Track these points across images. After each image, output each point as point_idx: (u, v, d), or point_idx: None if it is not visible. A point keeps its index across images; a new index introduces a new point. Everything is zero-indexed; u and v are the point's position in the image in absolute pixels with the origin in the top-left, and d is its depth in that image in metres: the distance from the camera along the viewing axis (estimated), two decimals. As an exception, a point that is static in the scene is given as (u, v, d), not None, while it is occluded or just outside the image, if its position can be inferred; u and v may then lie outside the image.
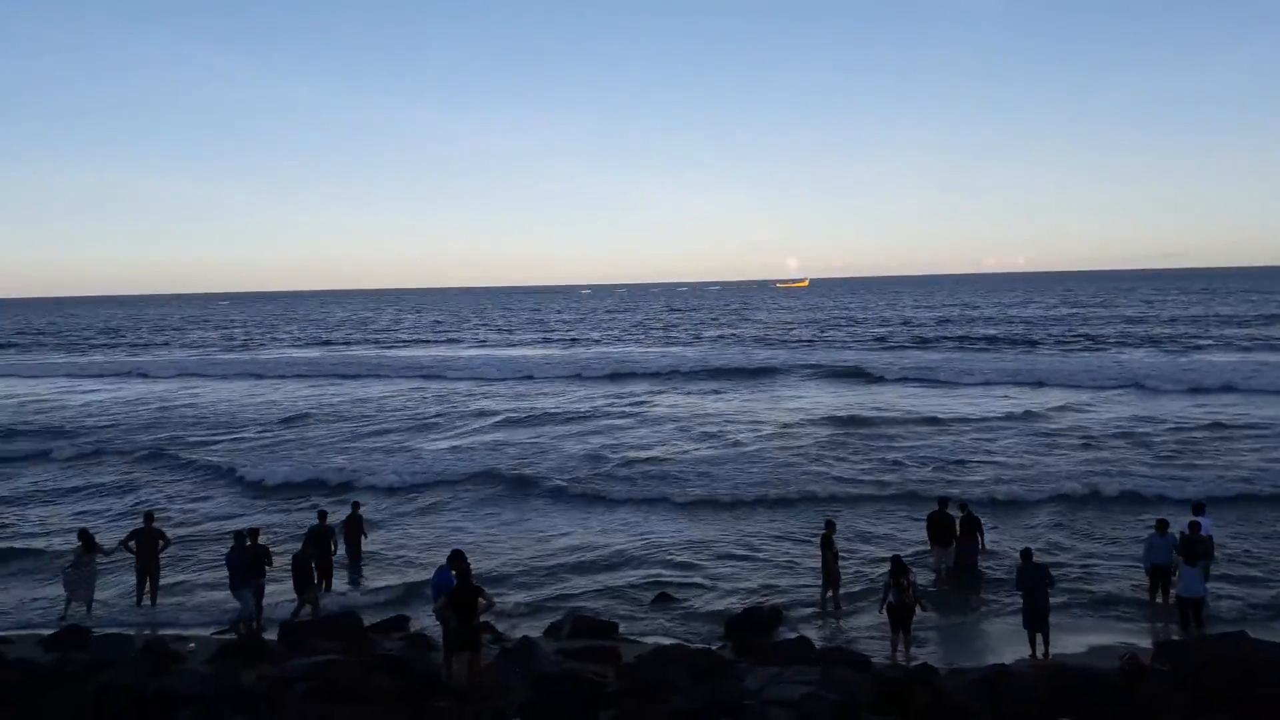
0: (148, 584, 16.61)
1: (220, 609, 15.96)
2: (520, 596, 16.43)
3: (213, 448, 31.15)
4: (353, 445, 31.20)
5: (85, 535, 16.55)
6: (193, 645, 13.97)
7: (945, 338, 70.90)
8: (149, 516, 17.47)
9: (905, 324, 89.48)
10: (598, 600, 16.11)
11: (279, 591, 15.86)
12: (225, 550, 15.98)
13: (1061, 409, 34.19)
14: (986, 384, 42.52)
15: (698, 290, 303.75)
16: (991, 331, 74.93)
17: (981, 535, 16.75)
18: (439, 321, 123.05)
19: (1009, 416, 32.81)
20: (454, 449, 29.79)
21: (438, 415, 37.76)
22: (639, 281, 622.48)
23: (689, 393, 43.07)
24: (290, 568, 15.58)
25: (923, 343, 67.34)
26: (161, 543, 16.82)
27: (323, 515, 17.29)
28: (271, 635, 14.24)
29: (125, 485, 26.34)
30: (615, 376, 49.79)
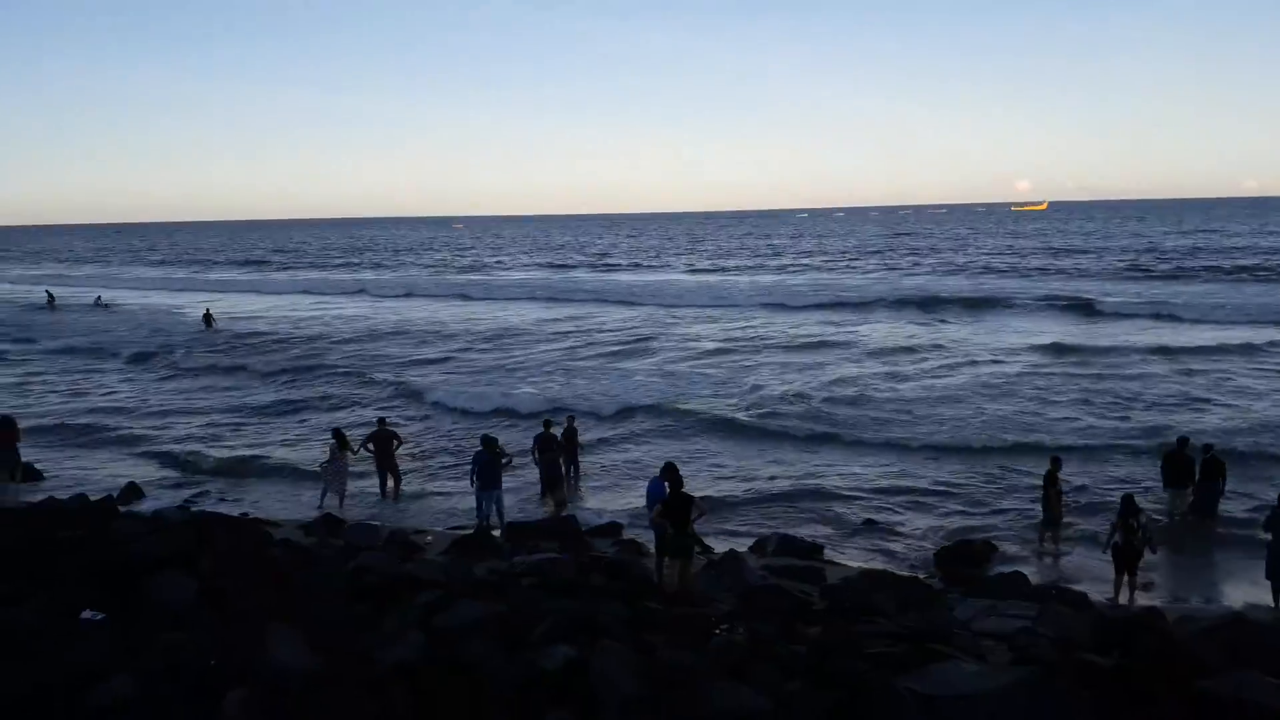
0: (389, 480, 18.26)
1: (450, 510, 17.37)
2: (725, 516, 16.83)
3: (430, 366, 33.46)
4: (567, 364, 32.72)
5: (339, 434, 18.33)
6: (430, 539, 15.32)
7: (1195, 268, 64.51)
8: (382, 421, 19.08)
9: (1150, 251, 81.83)
10: (802, 526, 16.18)
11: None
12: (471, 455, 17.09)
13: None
14: (1240, 322, 38.39)
15: (920, 213, 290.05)
16: (1248, 262, 67.35)
17: (1224, 479, 15.51)
18: (656, 244, 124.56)
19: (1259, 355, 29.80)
20: (658, 374, 30.39)
21: (644, 340, 38.53)
22: (857, 205, 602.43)
23: (901, 321, 41.81)
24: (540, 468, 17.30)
25: (1169, 276, 60.89)
26: (396, 443, 18.33)
27: (547, 424, 18.27)
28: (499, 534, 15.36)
29: (341, 400, 28.50)
30: (824, 306, 48.97)
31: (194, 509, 16.61)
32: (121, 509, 15.87)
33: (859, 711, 7.55)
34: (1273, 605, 12.05)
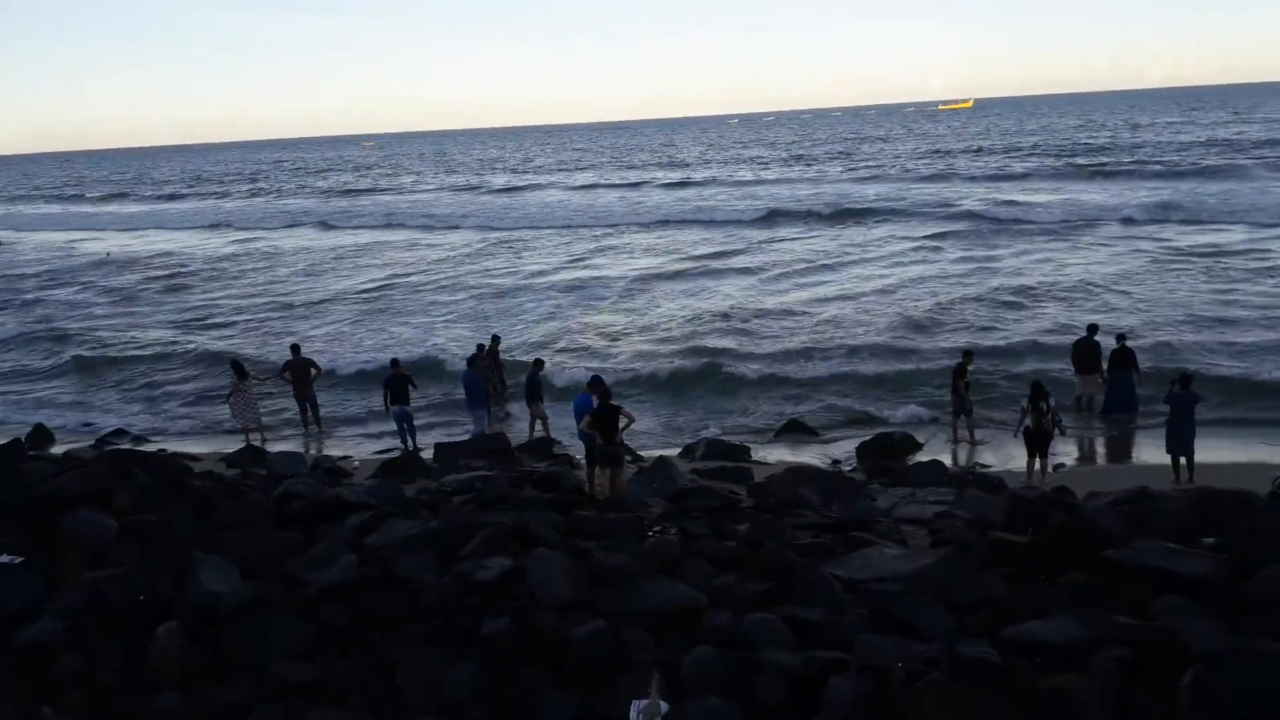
0: (309, 410, 17.92)
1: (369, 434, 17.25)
2: (651, 422, 17.03)
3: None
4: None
5: (235, 364, 17.82)
6: (357, 464, 15.18)
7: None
8: (295, 348, 18.28)
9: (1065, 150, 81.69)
10: (729, 432, 16.47)
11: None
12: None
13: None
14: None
15: (851, 114, 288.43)
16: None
17: (1137, 369, 15.84)
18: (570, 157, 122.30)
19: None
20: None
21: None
22: (789, 109, 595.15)
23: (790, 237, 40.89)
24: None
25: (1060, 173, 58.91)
26: (314, 371, 17.89)
27: (480, 347, 18.30)
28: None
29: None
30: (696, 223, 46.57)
31: (108, 448, 16.12)
32: (31, 453, 15.30)
33: (788, 598, 7.81)
34: (1174, 478, 12.72)
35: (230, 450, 15.93)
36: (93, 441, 17.13)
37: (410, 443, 16.20)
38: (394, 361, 16.93)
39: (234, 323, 28.60)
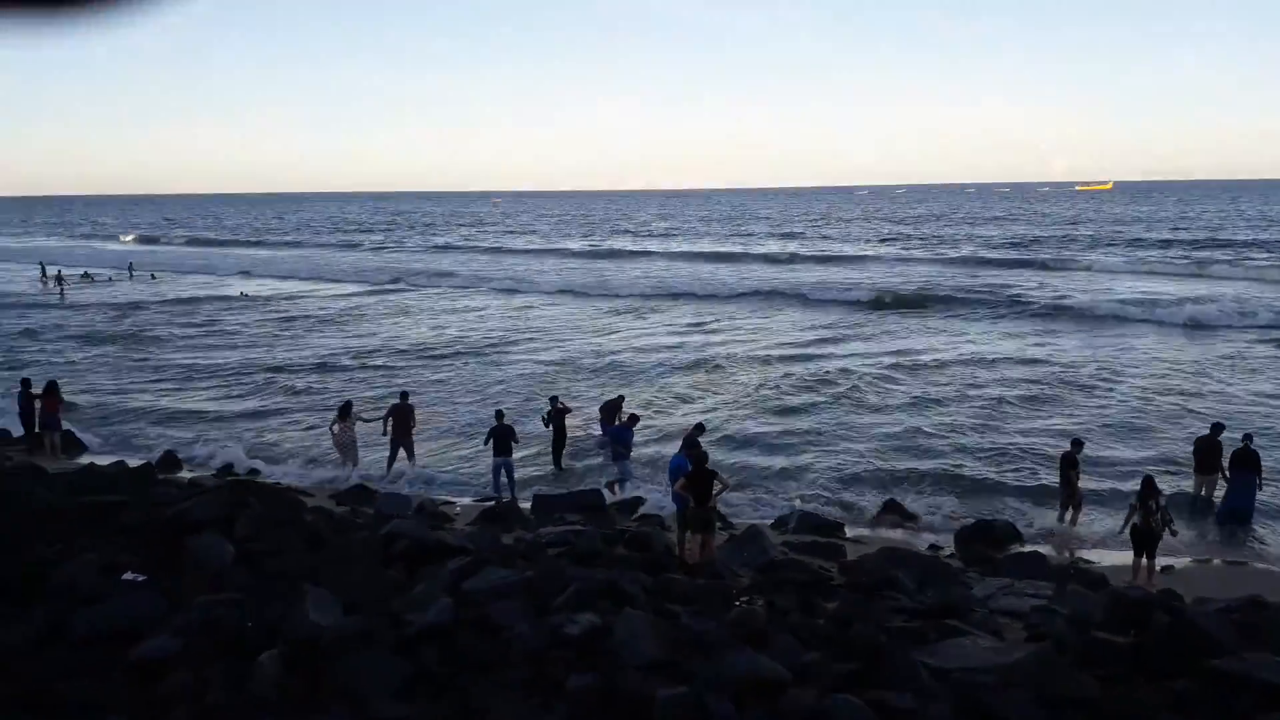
0: (400, 453, 18.21)
1: (477, 479, 17.67)
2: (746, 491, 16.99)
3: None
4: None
5: (344, 405, 18.60)
6: (459, 509, 15.61)
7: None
8: (404, 395, 18.94)
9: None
10: (824, 504, 16.28)
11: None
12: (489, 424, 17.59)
13: None
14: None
15: (984, 191, 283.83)
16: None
17: (1260, 475, 15.05)
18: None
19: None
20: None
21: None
22: (919, 182, 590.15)
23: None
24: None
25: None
26: (413, 421, 18.35)
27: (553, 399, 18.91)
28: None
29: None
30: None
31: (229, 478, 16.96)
32: (160, 476, 16.23)
33: (875, 681, 7.69)
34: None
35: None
36: (214, 471, 18.04)
37: (510, 494, 16.55)
38: (498, 414, 17.41)
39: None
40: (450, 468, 18.79)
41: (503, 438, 16.59)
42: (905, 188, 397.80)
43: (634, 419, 17.03)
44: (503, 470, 16.67)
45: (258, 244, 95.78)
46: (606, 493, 16.00)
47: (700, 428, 16.34)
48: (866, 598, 10.49)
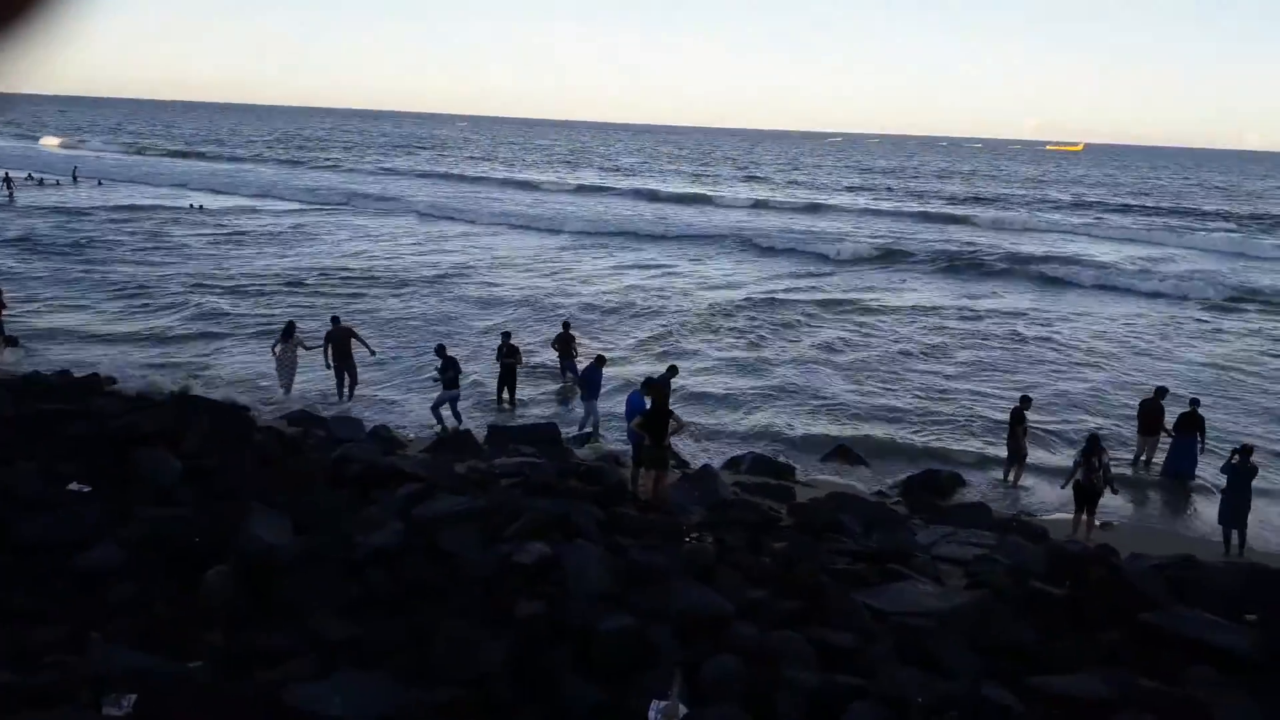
0: (346, 380, 18.01)
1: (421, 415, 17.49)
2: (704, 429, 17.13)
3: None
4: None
5: (288, 326, 18.12)
6: (411, 436, 15.55)
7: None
8: (335, 320, 18.45)
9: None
10: (777, 449, 16.46)
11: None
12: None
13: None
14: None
15: (956, 146, 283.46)
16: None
17: (1203, 436, 15.42)
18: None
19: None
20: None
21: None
22: (892, 132, 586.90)
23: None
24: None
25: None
26: (357, 342, 17.89)
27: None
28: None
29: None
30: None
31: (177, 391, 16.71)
32: (106, 389, 15.97)
33: (818, 620, 7.88)
34: (1223, 550, 12.47)
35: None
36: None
37: (454, 423, 16.39)
38: (439, 348, 17.09)
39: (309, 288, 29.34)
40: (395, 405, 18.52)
41: (447, 370, 16.36)
42: (879, 137, 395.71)
43: (601, 360, 16.93)
44: (447, 404, 16.51)
45: (213, 156, 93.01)
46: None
47: (673, 369, 16.38)
48: (813, 539, 10.70)
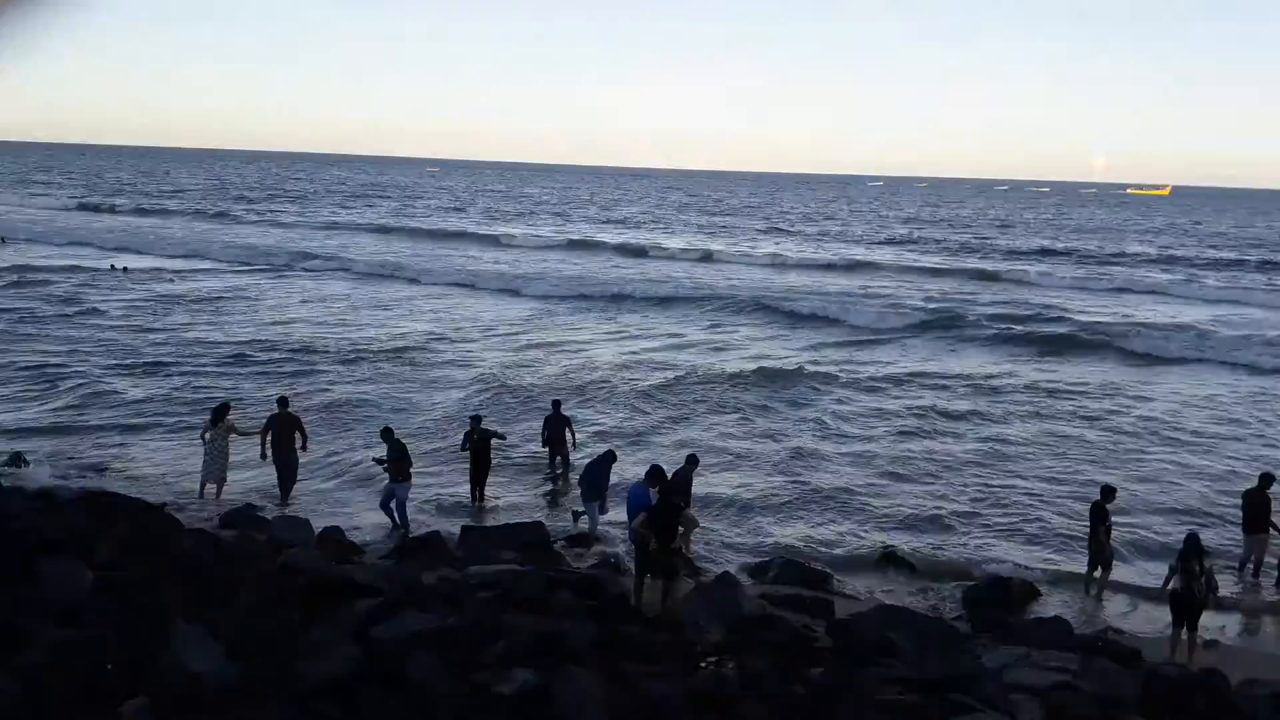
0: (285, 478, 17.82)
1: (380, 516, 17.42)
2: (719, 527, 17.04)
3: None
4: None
5: (218, 409, 18.05)
6: (369, 540, 15.53)
7: None
8: (283, 401, 18.43)
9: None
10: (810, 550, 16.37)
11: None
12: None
13: None
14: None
15: (1018, 189, 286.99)
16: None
17: None
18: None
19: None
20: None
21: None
22: (943, 175, 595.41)
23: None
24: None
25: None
26: (300, 436, 17.84)
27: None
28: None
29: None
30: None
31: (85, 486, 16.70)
32: (3, 483, 15.96)
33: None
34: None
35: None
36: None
37: (401, 527, 16.44)
38: (385, 431, 17.21)
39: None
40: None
41: (398, 460, 16.41)
42: (927, 180, 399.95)
43: (611, 456, 16.85)
44: (395, 500, 16.48)
45: (137, 211, 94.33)
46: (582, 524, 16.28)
47: (693, 459, 16.30)
48: (857, 664, 10.56)
